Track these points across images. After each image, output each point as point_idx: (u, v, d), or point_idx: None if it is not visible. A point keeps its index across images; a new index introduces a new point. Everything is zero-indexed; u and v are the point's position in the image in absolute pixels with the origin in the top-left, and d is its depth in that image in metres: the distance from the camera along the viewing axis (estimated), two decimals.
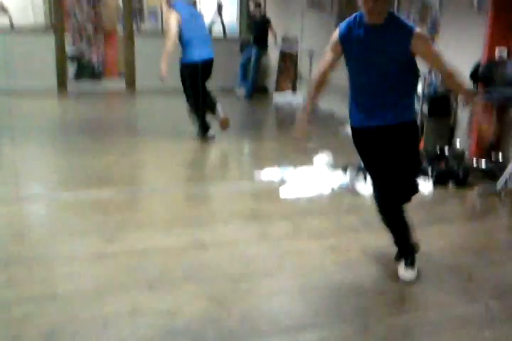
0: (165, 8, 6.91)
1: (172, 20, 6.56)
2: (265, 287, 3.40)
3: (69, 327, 2.86)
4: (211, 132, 7.18)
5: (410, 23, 3.37)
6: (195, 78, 6.84)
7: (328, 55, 3.57)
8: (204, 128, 7.11)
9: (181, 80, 6.96)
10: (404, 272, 3.58)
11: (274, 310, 3.17)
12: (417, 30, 3.25)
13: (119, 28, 11.57)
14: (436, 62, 3.35)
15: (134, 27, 11.51)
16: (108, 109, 9.73)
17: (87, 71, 11.26)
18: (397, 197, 3.57)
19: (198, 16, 7.06)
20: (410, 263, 3.61)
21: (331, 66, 3.63)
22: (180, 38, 6.67)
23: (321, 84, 3.68)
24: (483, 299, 3.36)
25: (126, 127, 7.56)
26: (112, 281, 3.36)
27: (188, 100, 7.02)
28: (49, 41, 10.52)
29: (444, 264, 3.85)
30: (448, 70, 3.32)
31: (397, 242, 3.72)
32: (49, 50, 10.50)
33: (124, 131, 7.37)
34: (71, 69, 11.06)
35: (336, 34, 3.45)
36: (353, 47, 3.39)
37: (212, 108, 7.14)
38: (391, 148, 3.41)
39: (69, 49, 10.96)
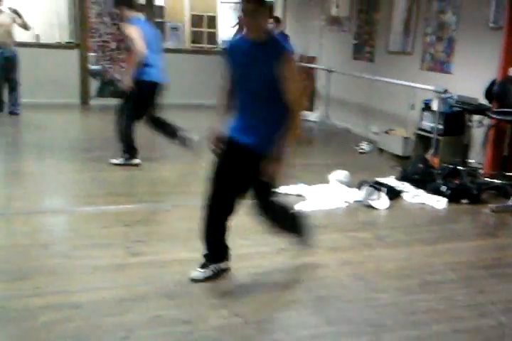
0: (124, 24, 6.50)
1: (135, 33, 6.21)
2: (281, 298, 3.51)
3: (92, 335, 2.98)
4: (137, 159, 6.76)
5: (289, 45, 3.33)
6: (149, 97, 6.53)
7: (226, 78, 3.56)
8: (133, 150, 6.69)
9: (130, 97, 6.50)
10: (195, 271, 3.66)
11: (290, 320, 3.27)
12: (289, 52, 3.22)
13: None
14: (288, 91, 3.23)
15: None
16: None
17: (109, 89, 11.46)
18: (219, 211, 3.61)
19: (157, 35, 6.77)
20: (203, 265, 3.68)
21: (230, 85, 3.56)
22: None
23: (223, 105, 3.63)
24: (494, 313, 3.43)
25: (148, 143, 7.70)
26: (133, 291, 3.48)
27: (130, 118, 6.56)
28: (73, 58, 10.80)
29: (456, 279, 3.93)
30: (294, 108, 3.27)
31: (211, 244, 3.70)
32: (73, 67, 10.78)
33: (145, 146, 7.51)
34: (93, 86, 11.27)
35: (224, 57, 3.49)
36: (235, 61, 3.38)
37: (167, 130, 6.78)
38: (236, 168, 3.48)
39: (92, 67, 11.18)
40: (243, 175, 3.47)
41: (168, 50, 11.45)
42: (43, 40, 11.30)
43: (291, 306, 3.42)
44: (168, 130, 6.78)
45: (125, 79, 6.55)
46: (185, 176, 6.51)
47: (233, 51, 3.40)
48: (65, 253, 4.07)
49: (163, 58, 6.71)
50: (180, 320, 3.15)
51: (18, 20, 9.38)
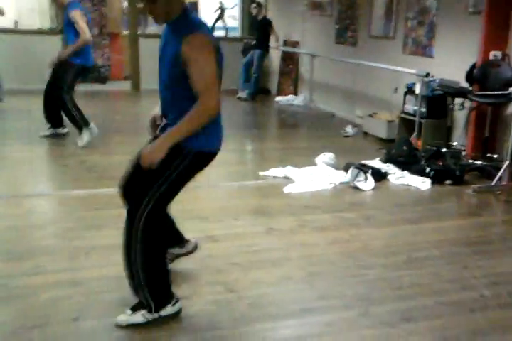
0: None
1: (80, 18, 6.67)
2: (273, 275, 3.63)
3: (93, 310, 3.10)
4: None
5: (199, 26, 2.80)
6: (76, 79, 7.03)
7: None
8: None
9: (61, 75, 6.93)
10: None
11: (282, 295, 3.40)
12: (195, 34, 2.70)
13: (124, 31, 11.82)
14: (193, 80, 2.72)
15: (139, 29, 11.75)
16: (113, 110, 9.94)
17: (92, 75, 11.47)
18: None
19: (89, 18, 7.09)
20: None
21: None
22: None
23: None
24: (477, 287, 3.59)
25: (133, 127, 7.77)
26: None
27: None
28: (54, 44, 10.76)
29: (440, 256, 4.07)
30: (199, 100, 2.74)
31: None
32: (55, 54, 10.72)
33: (131, 130, 7.59)
34: None
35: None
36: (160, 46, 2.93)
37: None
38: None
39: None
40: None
41: (150, 36, 11.56)
42: (23, 26, 11.27)
43: (282, 282, 3.55)
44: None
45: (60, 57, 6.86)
46: None
47: (161, 36, 2.94)
48: (60, 234, 4.17)
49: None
50: (177, 294, 3.26)
51: None
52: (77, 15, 6.66)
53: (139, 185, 2.97)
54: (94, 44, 11.35)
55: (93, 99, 10.28)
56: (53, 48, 10.62)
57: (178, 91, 2.82)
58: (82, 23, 6.66)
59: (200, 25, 2.82)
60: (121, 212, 4.57)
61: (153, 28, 12.82)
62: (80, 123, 6.82)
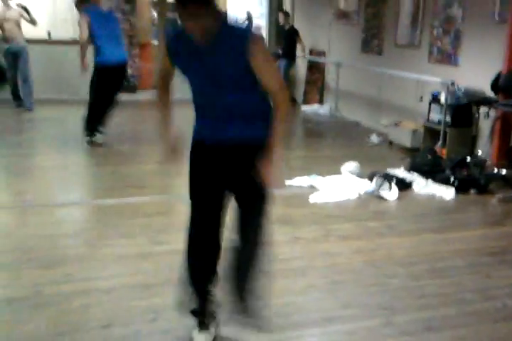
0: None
1: (82, 22, 7.06)
2: (298, 284, 3.71)
3: (123, 317, 3.20)
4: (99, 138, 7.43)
5: (246, 26, 2.73)
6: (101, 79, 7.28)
7: (160, 69, 2.92)
8: (94, 130, 7.34)
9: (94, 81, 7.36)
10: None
11: (306, 304, 3.47)
12: (253, 34, 2.60)
13: (154, 40, 11.99)
14: (268, 79, 2.68)
15: None
16: (143, 119, 10.10)
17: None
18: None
19: (110, 18, 7.41)
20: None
21: (166, 79, 2.94)
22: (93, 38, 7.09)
23: (163, 103, 3.01)
24: (500, 297, 3.62)
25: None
26: (159, 277, 3.71)
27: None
28: (89, 54, 10.95)
29: (464, 265, 4.11)
30: (280, 97, 2.71)
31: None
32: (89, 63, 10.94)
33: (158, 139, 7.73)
34: None
35: (163, 43, 2.82)
36: (185, 63, 2.73)
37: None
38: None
39: None
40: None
41: None
42: (56, 37, 11.49)
43: (307, 291, 3.62)
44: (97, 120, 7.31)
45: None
46: None
47: (178, 49, 2.72)
48: (90, 242, 4.30)
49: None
50: None
51: (26, 16, 9.58)
52: (81, 20, 7.04)
53: None
54: None
55: (123, 108, 10.42)
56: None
57: (246, 97, 2.72)
58: (81, 27, 7.04)
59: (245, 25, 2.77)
60: (149, 221, 4.73)
61: None
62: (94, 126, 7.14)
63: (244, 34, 2.59)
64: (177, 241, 4.28)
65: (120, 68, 7.31)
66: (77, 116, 9.63)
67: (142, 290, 3.52)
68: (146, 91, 11.97)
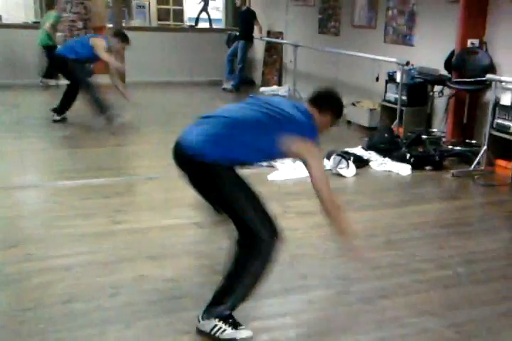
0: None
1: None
2: None
3: (83, 293, 3.23)
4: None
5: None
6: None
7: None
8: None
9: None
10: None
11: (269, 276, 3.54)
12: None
13: (109, 24, 11.85)
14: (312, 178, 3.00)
15: (123, 23, 11.81)
16: None
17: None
18: None
19: None
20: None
21: None
22: None
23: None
24: (452, 266, 3.75)
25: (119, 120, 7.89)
26: (118, 254, 3.74)
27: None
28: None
29: (418, 237, 4.23)
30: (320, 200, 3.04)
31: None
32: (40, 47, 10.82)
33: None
34: None
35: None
36: None
37: None
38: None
39: (59, 46, 11.21)
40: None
41: (134, 28, 11.63)
42: (7, 21, 11.30)
43: None
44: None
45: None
46: (158, 150, 6.73)
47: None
48: (50, 223, 4.29)
49: None
50: (164, 278, 3.41)
51: None
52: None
53: None
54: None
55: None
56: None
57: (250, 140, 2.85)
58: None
59: None
60: (108, 201, 4.74)
61: (137, 21, 12.92)
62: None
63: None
64: (135, 220, 4.36)
65: None
66: (31, 100, 9.59)
67: (101, 268, 3.55)
68: (101, 76, 11.85)
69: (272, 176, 5.55)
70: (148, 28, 12.56)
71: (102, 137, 7.10)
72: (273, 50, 11.59)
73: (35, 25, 10.92)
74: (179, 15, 14.41)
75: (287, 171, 5.65)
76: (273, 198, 4.96)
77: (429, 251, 3.99)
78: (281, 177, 5.53)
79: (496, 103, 5.88)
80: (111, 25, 11.56)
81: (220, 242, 3.94)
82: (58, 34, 10.90)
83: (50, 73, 10.43)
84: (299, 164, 5.76)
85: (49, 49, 10.17)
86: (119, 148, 6.65)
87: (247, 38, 11.25)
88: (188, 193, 5.05)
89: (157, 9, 14.29)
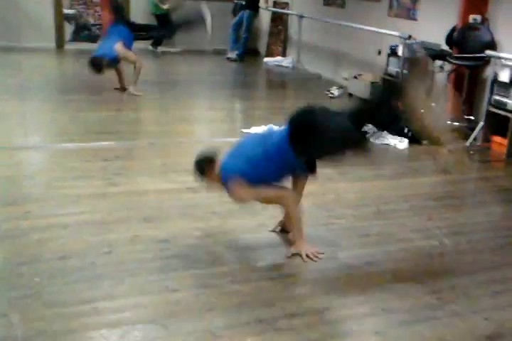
0: None
1: None
2: (250, 223, 3.86)
3: (79, 250, 3.34)
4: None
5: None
6: None
7: None
8: None
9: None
10: None
11: (257, 240, 3.65)
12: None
13: None
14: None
15: None
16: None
17: (83, 33, 11.54)
18: None
19: None
20: None
21: None
22: None
23: None
24: (438, 236, 3.84)
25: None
26: (114, 215, 3.84)
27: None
28: (47, 2, 10.82)
29: (408, 208, 4.33)
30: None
31: None
32: (47, 11, 10.82)
33: (118, 89, 7.76)
34: (68, 30, 11.34)
35: None
36: None
37: None
38: None
39: (66, 11, 11.23)
40: None
41: None
42: None
43: (258, 229, 3.79)
44: None
45: None
46: (160, 116, 6.82)
47: None
48: (49, 183, 4.39)
49: None
50: (157, 238, 3.52)
51: None
52: None
53: None
54: (87, 2, 11.52)
55: (86, 56, 10.39)
56: (45, 6, 10.73)
57: None
58: None
59: None
60: (107, 164, 4.84)
61: None
62: None
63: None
64: (132, 183, 4.48)
65: None
66: (30, 63, 9.62)
67: (98, 227, 3.66)
68: None
69: None
70: None
71: (105, 102, 7.18)
72: (278, 21, 11.55)
73: None
74: None
75: None
76: None
77: (418, 222, 4.08)
78: None
79: (495, 79, 5.92)
80: None
81: (214, 207, 4.07)
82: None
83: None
84: None
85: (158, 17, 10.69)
86: (120, 113, 6.72)
87: (253, 7, 11.22)
88: (184, 159, 5.21)
89: None
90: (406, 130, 6.20)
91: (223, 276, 3.15)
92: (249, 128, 6.11)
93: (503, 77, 5.84)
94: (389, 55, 7.55)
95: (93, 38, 11.70)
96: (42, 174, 4.67)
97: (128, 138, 5.73)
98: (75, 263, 3.19)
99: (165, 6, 10.68)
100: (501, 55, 5.92)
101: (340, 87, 8.62)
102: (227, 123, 6.81)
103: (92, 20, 11.73)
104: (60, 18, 11.08)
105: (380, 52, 7.76)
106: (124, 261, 3.25)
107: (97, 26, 11.83)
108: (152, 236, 3.56)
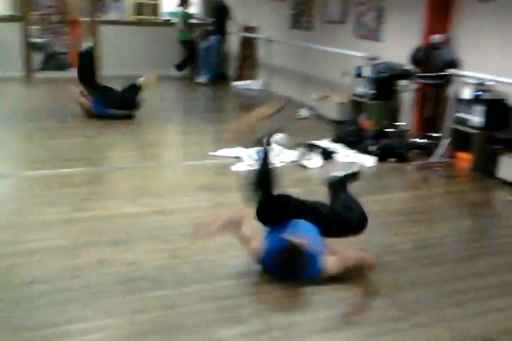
0: None
1: None
2: (217, 243, 3.86)
3: (46, 276, 3.34)
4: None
5: None
6: None
7: None
8: None
9: None
10: None
11: (224, 261, 3.67)
12: None
13: (84, 18, 11.88)
14: None
15: (99, 16, 11.85)
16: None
17: (53, 62, 11.57)
18: None
19: None
20: None
21: None
22: None
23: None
24: (404, 250, 3.91)
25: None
26: (82, 240, 3.85)
27: None
28: (15, 31, 10.85)
29: (376, 225, 4.34)
30: None
31: None
32: (16, 41, 10.84)
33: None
34: (37, 59, 11.37)
35: None
36: None
37: None
38: None
39: (36, 40, 11.27)
40: None
41: (110, 22, 11.68)
42: None
43: (225, 249, 3.81)
44: None
45: None
46: (127, 142, 6.85)
47: None
48: (18, 210, 4.40)
49: None
50: (125, 261, 3.54)
51: None
52: None
53: None
54: (55, 31, 11.57)
55: (54, 85, 10.42)
56: (14, 35, 10.79)
57: None
58: None
59: None
60: (75, 190, 4.85)
61: (112, 14, 12.91)
62: None
63: None
64: (101, 208, 4.49)
65: None
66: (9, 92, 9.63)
67: (65, 252, 3.66)
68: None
69: (237, 167, 5.67)
70: (124, 22, 12.58)
71: (73, 129, 7.20)
72: (248, 45, 11.70)
73: (10, 18, 10.96)
74: (156, 9, 14.42)
75: (252, 162, 5.78)
76: (237, 188, 5.09)
77: (384, 238, 4.14)
78: (247, 168, 5.65)
79: (457, 97, 6.05)
80: (86, 19, 11.60)
81: (181, 228, 4.10)
82: (33, 27, 11.00)
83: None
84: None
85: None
86: (88, 139, 6.73)
87: (221, 32, 11.34)
88: (152, 183, 5.25)
89: (134, 3, 14.28)
90: (374, 148, 6.30)
91: (190, 296, 3.17)
92: (216, 151, 6.17)
93: (465, 94, 5.97)
94: (356, 76, 7.68)
95: (61, 67, 11.73)
96: (9, 201, 4.67)
97: (96, 164, 5.76)
98: (42, 288, 3.19)
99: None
100: (463, 73, 6.08)
101: (310, 108, 8.72)
102: (196, 146, 6.82)
103: (60, 49, 11.77)
104: (29, 47, 11.09)
105: (345, 74, 7.89)
106: (91, 284, 3.26)
107: (65, 55, 11.87)
108: (119, 260, 3.57)
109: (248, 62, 11.70)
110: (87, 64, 7.95)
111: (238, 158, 5.93)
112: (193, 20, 11.94)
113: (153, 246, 3.82)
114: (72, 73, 11.58)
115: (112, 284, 3.26)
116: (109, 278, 3.33)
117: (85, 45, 8.13)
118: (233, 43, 12.10)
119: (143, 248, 3.78)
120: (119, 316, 2.95)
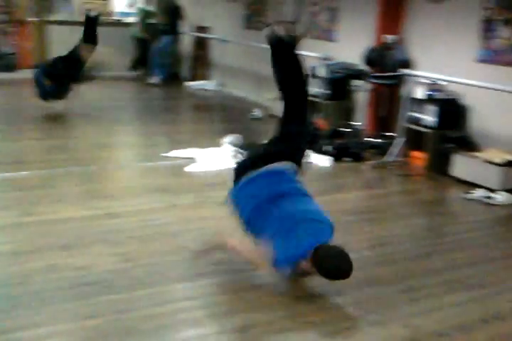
0: None
1: None
2: (170, 245, 3.82)
3: None
4: None
5: None
6: None
7: None
8: None
9: None
10: None
11: (178, 263, 3.60)
12: None
13: (32, 18, 11.63)
14: None
15: (47, 16, 11.64)
16: (22, 98, 9.85)
17: (0, 63, 11.30)
18: None
19: None
20: None
21: None
22: None
23: None
24: (358, 249, 3.88)
25: (41, 114, 7.79)
26: (31, 245, 3.73)
27: None
28: None
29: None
30: None
31: None
32: None
33: (38, 117, 7.62)
34: None
35: None
36: None
37: None
38: None
39: None
40: None
41: (59, 22, 11.46)
42: None
43: (179, 251, 3.74)
44: None
45: None
46: (78, 144, 6.71)
47: None
48: None
49: None
50: (74, 266, 3.44)
51: None
52: None
53: None
54: (1, 31, 11.29)
55: (1, 87, 10.19)
56: None
57: None
58: None
59: None
60: (23, 194, 4.71)
61: (61, 14, 12.66)
62: None
63: None
64: (50, 212, 4.37)
65: None
66: None
67: (13, 257, 3.55)
68: (24, 70, 11.62)
69: (189, 168, 5.60)
70: (72, 22, 12.33)
71: (24, 131, 7.03)
72: (201, 45, 11.62)
73: None
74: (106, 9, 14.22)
75: (205, 163, 5.72)
76: (191, 189, 5.05)
77: (340, 237, 4.06)
78: (199, 169, 5.60)
79: (410, 97, 6.10)
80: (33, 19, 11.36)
81: (133, 231, 4.01)
82: None
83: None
84: (218, 157, 5.88)
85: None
86: (38, 142, 6.59)
87: (173, 32, 11.22)
88: (103, 186, 5.14)
89: (82, 3, 14.04)
90: (329, 148, 6.30)
91: (143, 300, 3.10)
92: (168, 152, 6.08)
93: (418, 94, 6.02)
94: (310, 76, 7.67)
95: (9, 67, 11.45)
96: None
97: (45, 167, 5.60)
98: None
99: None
100: (416, 73, 6.13)
101: (264, 108, 8.69)
102: (148, 148, 6.72)
103: (7, 49, 11.49)
104: None
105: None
106: (39, 290, 3.16)
107: (13, 55, 11.59)
108: (69, 264, 3.47)
109: (201, 62, 11.62)
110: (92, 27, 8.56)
111: (191, 159, 5.86)
112: (152, 21, 11.66)
113: (104, 249, 3.72)
114: (21, 74, 11.47)
115: (61, 289, 3.17)
116: (58, 284, 3.23)
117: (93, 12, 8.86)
118: (186, 43, 12.00)
119: (93, 252, 3.68)
120: (70, 322, 2.86)
